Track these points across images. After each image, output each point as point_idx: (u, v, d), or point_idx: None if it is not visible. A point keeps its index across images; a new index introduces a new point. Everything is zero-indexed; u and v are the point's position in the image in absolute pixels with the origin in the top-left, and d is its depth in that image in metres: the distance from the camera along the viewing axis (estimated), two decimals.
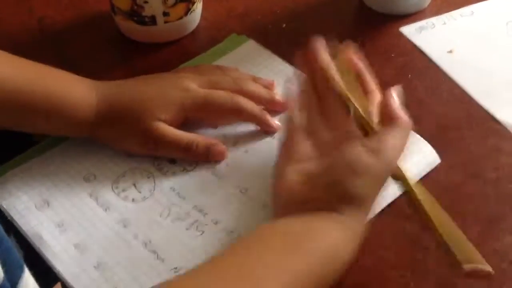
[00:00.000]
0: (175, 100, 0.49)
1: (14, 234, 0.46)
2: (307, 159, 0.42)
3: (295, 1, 0.64)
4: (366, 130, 0.43)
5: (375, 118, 0.43)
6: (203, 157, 0.49)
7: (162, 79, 0.52)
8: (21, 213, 0.47)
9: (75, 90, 0.49)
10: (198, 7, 0.61)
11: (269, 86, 0.54)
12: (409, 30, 0.60)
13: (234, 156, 0.50)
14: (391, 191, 0.45)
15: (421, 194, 0.41)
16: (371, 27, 0.61)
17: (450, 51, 0.58)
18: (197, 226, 0.45)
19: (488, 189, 0.47)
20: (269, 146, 0.50)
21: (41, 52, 0.60)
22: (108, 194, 0.48)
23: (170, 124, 0.49)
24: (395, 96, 0.44)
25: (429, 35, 0.60)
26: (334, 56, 0.45)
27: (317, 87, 0.45)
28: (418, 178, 0.47)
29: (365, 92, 0.45)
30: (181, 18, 0.59)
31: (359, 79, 0.45)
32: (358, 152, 0.40)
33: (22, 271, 0.34)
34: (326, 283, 0.38)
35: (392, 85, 0.50)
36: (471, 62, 0.57)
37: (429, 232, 0.41)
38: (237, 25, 0.62)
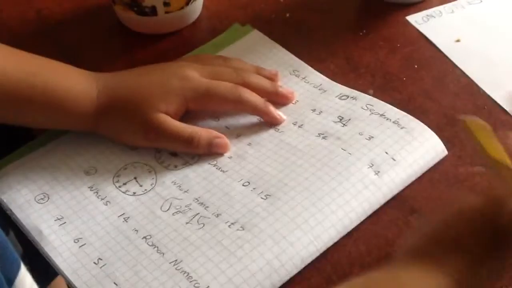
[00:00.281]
0: (175, 89, 0.49)
1: (14, 231, 0.46)
2: None
3: None
4: None
5: None
6: (205, 151, 0.48)
7: (163, 69, 0.51)
8: (21, 207, 0.46)
9: (75, 83, 0.49)
10: None
11: (273, 77, 0.53)
12: (415, 19, 0.59)
13: (237, 148, 0.49)
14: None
15: None
16: (376, 16, 0.60)
17: (458, 40, 0.57)
18: (198, 219, 0.44)
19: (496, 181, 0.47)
20: (273, 138, 0.49)
21: (40, 43, 0.59)
22: (109, 188, 0.47)
23: (172, 115, 0.48)
24: None
25: (436, 24, 0.59)
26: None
27: None
28: (425, 169, 0.47)
29: None
30: (182, 8, 0.58)
31: None
32: None
33: (18, 267, 0.34)
34: None
35: (398, 76, 0.49)
36: (479, 51, 0.56)
37: None
38: (240, 15, 0.61)
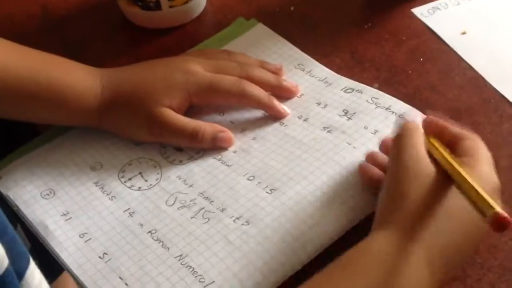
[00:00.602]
0: (179, 83, 0.48)
1: (22, 226, 0.46)
2: None
3: None
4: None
5: None
6: (210, 145, 0.48)
7: (166, 64, 0.51)
8: (27, 203, 0.46)
9: (79, 79, 0.49)
10: None
11: (277, 71, 0.53)
12: (421, 11, 0.59)
13: (242, 143, 0.49)
14: None
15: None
16: (381, 8, 0.59)
17: (464, 33, 0.57)
18: (203, 214, 0.44)
19: (502, 176, 0.46)
20: (278, 132, 0.49)
21: (44, 39, 0.60)
22: (114, 183, 0.47)
23: (176, 110, 0.48)
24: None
25: (442, 16, 0.58)
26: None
27: None
28: None
29: None
30: (186, 2, 0.58)
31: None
32: None
33: (28, 262, 0.34)
34: None
35: (404, 70, 0.49)
36: (485, 44, 0.55)
37: None
38: (244, 9, 0.61)
